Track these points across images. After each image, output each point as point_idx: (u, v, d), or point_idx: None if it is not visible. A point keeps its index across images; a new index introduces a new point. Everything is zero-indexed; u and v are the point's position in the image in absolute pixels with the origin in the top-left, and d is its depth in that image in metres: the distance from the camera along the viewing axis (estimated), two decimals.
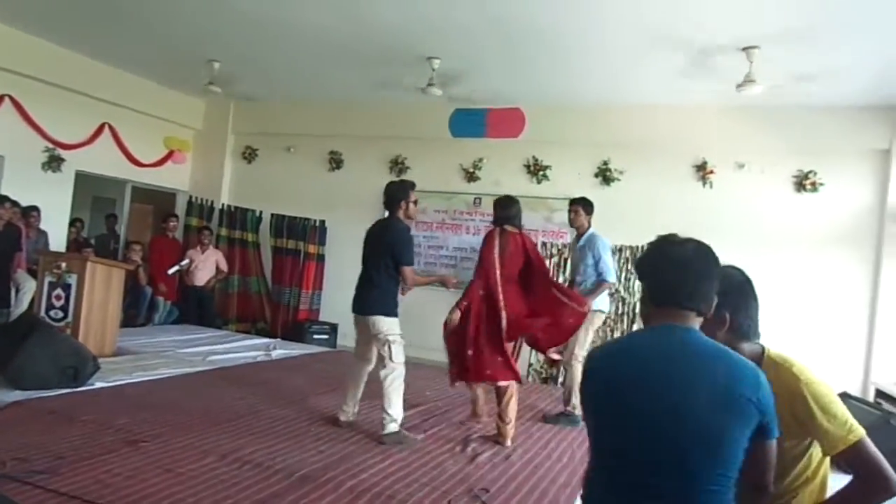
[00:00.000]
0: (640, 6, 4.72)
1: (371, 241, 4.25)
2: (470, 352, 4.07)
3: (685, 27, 5.03)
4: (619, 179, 7.40)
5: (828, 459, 1.74)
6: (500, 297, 4.05)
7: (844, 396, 5.02)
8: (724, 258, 6.32)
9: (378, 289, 4.11)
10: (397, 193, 4.21)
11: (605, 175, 7.44)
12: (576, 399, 4.70)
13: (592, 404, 1.62)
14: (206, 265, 8.21)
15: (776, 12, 4.65)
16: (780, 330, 5.87)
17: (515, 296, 4.13)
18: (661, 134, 7.19)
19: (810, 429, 1.65)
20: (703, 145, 7.08)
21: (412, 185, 4.31)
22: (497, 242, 4.16)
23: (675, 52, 5.52)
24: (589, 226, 5.01)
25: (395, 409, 3.96)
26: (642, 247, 6.78)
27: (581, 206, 5.01)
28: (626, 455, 1.48)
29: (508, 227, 4.23)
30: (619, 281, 6.89)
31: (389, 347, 4.00)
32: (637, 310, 6.80)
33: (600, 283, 4.79)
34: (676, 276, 1.59)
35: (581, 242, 5.00)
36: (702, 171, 7.07)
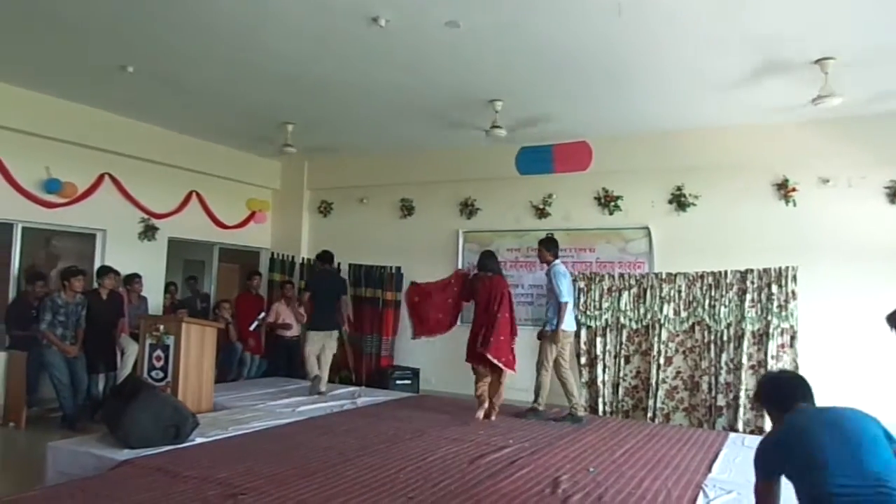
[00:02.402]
0: (704, 27, 4.67)
1: (331, 284, 7.44)
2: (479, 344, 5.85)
3: (753, 44, 4.92)
4: (694, 204, 7.22)
5: None
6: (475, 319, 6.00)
7: None
8: (817, 277, 6.05)
9: (338, 312, 7.41)
10: (332, 257, 7.65)
11: (679, 201, 7.28)
12: (541, 398, 5.95)
13: None
14: (292, 317, 8.51)
15: (848, 21, 4.48)
16: (880, 353, 5.50)
17: (482, 319, 5.92)
18: (735, 154, 6.99)
19: None
20: (782, 162, 6.83)
21: None
22: (468, 282, 6.27)
23: (745, 70, 5.40)
24: (553, 259, 6.08)
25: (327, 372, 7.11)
26: (725, 272, 6.55)
27: (542, 245, 6.25)
28: None
29: (480, 273, 6.07)
30: (704, 309, 6.67)
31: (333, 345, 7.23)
32: (724, 337, 6.55)
33: (559, 304, 5.87)
34: None
35: (546, 273, 6.17)
36: (783, 189, 6.80)
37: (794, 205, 6.75)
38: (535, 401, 5.99)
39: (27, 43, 5.40)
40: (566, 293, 5.90)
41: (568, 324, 5.99)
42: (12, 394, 6.35)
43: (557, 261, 6.12)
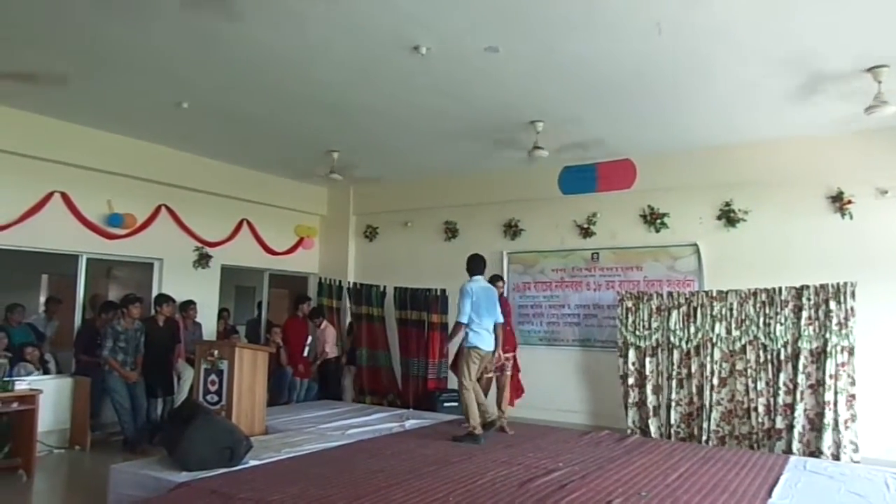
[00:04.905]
0: (747, 40, 4.61)
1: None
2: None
3: (801, 55, 4.83)
4: (744, 220, 7.06)
5: None
6: None
7: None
8: (876, 293, 5.87)
9: None
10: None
11: (728, 217, 7.14)
12: (473, 420, 5.60)
13: None
14: (328, 340, 8.73)
15: None
16: None
17: None
18: (785, 167, 6.83)
19: None
20: (835, 174, 6.63)
21: None
22: None
23: (793, 81, 5.29)
24: (471, 276, 5.89)
25: None
26: (779, 289, 6.35)
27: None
28: None
29: None
30: (758, 327, 6.47)
31: None
32: (781, 357, 6.33)
33: (455, 324, 5.80)
34: None
35: None
36: (838, 201, 6.59)
37: (851, 217, 6.53)
38: (470, 423, 5.68)
39: (94, 87, 5.73)
40: (465, 314, 5.69)
41: (485, 343, 5.81)
42: (78, 418, 6.62)
43: (473, 278, 5.92)
